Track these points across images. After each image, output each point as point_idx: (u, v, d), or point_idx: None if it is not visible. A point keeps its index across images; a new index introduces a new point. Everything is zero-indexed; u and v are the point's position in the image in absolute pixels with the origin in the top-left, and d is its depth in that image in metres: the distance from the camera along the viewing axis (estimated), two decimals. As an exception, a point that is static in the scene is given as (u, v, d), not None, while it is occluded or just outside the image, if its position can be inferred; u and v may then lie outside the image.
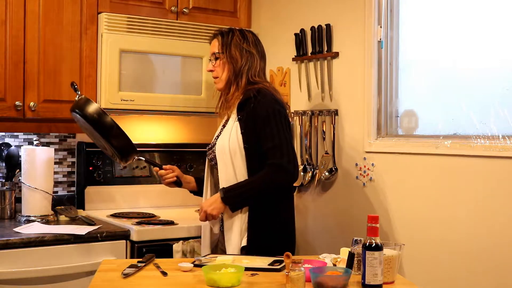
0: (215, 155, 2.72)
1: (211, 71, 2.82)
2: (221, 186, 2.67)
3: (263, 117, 2.62)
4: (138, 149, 3.56)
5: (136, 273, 2.18)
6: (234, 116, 2.71)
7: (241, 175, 2.64)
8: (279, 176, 2.61)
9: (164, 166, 2.95)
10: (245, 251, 2.61)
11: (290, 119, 2.78)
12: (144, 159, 2.99)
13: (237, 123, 2.67)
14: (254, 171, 2.62)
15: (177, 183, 2.95)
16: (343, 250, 2.32)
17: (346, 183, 3.14)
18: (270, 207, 2.65)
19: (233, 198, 2.61)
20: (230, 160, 2.65)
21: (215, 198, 2.65)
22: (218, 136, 2.77)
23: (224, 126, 2.79)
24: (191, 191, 3.05)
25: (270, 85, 2.79)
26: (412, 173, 2.83)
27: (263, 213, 2.64)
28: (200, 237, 2.96)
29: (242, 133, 2.65)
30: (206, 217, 2.67)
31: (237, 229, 2.63)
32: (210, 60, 2.83)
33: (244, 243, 2.63)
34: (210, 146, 2.83)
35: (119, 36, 3.17)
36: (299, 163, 3.31)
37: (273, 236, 2.65)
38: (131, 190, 3.54)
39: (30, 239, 2.69)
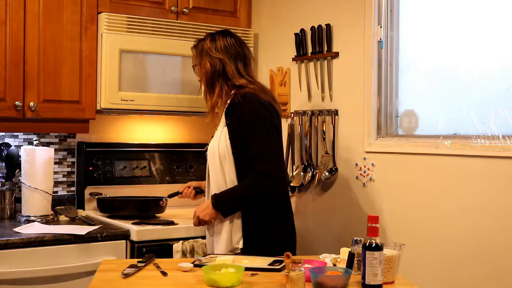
0: None
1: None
2: (211, 191, 2.69)
3: (248, 123, 2.61)
4: (138, 149, 3.60)
5: (136, 273, 2.18)
6: (223, 121, 2.71)
7: (231, 180, 2.64)
8: (265, 184, 2.60)
9: (180, 190, 3.16)
10: (242, 253, 2.61)
11: (281, 120, 2.76)
12: (166, 198, 3.23)
13: (226, 129, 2.68)
14: (243, 175, 2.63)
15: (199, 192, 3.10)
16: (343, 250, 2.32)
17: (346, 183, 3.14)
18: (260, 207, 2.64)
19: (222, 204, 2.63)
20: (220, 165, 2.66)
21: (207, 204, 2.67)
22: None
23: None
24: None
25: (256, 86, 2.73)
26: (412, 173, 2.83)
27: (255, 213, 2.64)
28: (200, 237, 2.97)
29: (230, 138, 2.65)
30: (199, 222, 2.69)
31: (224, 234, 2.65)
32: None
33: (240, 245, 2.63)
34: (207, 146, 2.83)
35: (119, 36, 3.17)
36: (299, 163, 3.31)
37: (268, 234, 2.64)
38: (131, 190, 3.54)
39: (30, 239, 2.69)
